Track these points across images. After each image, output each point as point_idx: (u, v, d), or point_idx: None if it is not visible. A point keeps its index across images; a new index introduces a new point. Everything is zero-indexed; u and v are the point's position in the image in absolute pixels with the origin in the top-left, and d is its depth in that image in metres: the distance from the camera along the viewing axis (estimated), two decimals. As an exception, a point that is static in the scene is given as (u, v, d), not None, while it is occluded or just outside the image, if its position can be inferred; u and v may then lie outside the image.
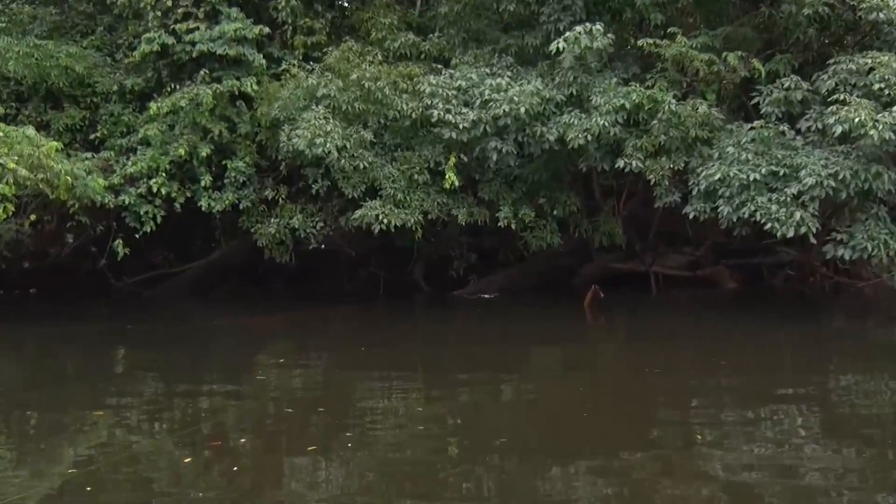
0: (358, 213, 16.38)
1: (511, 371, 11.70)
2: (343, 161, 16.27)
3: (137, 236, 17.32)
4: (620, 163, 15.83)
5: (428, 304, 19.17)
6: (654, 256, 19.76)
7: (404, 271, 20.71)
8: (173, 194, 17.06)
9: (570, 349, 13.51)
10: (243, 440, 8.71)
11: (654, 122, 15.73)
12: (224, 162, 17.47)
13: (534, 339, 14.37)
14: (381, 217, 16.18)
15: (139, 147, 17.34)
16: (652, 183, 15.97)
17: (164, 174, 16.93)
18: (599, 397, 10.25)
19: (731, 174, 14.76)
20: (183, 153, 16.92)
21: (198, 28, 17.54)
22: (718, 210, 14.93)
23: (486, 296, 19.31)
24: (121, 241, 17.30)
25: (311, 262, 20.50)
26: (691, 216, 15.51)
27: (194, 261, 21.06)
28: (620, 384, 11.03)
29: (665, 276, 19.73)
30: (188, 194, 17.29)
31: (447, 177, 16.42)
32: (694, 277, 19.83)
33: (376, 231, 16.38)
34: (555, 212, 17.38)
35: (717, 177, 14.86)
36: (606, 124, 15.55)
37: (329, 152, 15.96)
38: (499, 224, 16.95)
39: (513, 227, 16.95)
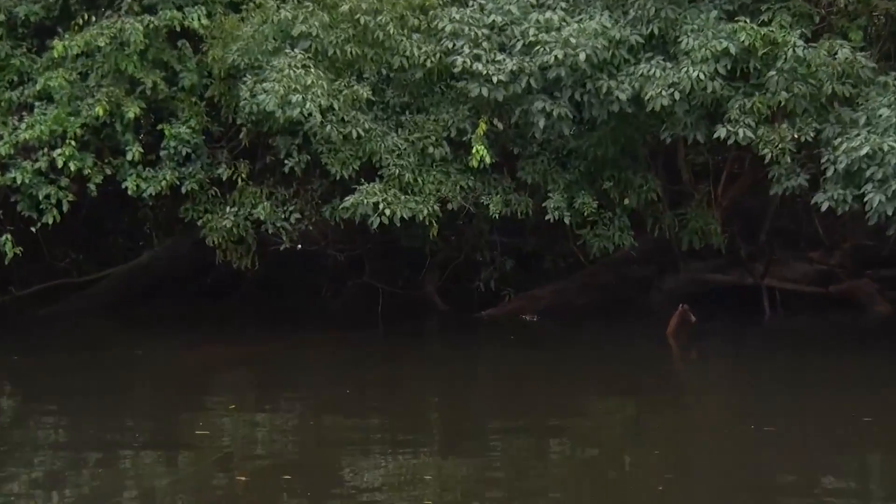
0: (349, 200, 16.43)
1: (561, 425, 11.64)
2: (329, 127, 16.24)
3: (34, 230, 17.17)
4: (722, 131, 15.72)
5: (444, 327, 19.34)
6: (767, 265, 19.59)
7: (412, 283, 20.83)
8: (86, 171, 16.83)
9: (646, 394, 13.38)
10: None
11: (772, 73, 15.61)
12: (160, 127, 17.28)
13: (594, 379, 14.39)
14: (381, 207, 16.21)
15: (37, 103, 17.11)
16: (767, 160, 15.83)
17: (73, 143, 16.66)
18: (685, 466, 10.15)
19: (885, 147, 14.58)
20: (101, 113, 16.73)
21: (122, -67, 17.45)
22: (865, 199, 14.84)
23: (526, 317, 19.47)
24: (9, 238, 16.99)
25: (280, 268, 20.57)
26: (823, 207, 15.48)
27: (113, 266, 21.04)
28: (716, 448, 10.88)
29: (783, 292, 19.74)
30: (108, 171, 17.11)
31: (475, 150, 16.40)
32: (826, 295, 19.77)
33: (375, 226, 16.47)
34: (626, 201, 17.37)
35: (863, 151, 14.70)
36: (702, 77, 15.47)
37: (310, 114, 15.89)
38: (546, 218, 16.91)
39: (567, 221, 16.98)
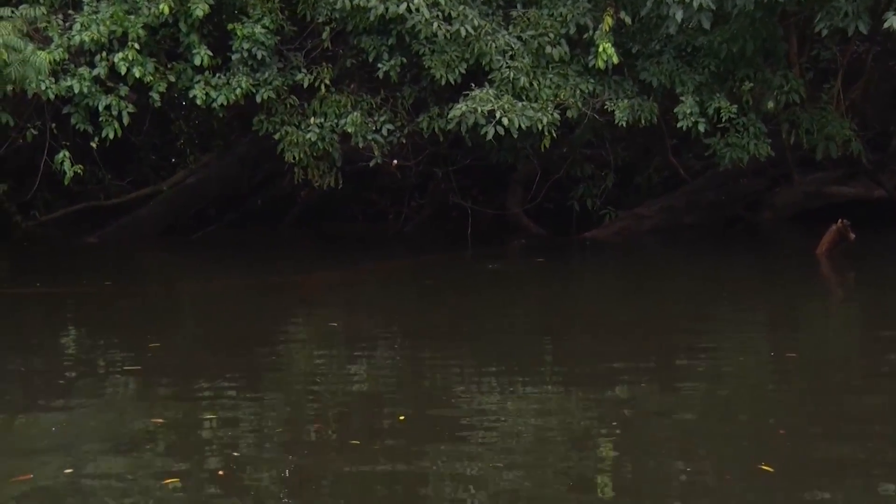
0: (459, 108, 15.63)
1: (694, 362, 10.70)
2: (435, 24, 15.64)
3: (94, 145, 16.42)
4: (893, 20, 14.49)
5: (544, 250, 18.46)
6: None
7: (488, 203, 20.26)
8: (148, 78, 16.05)
9: (797, 325, 12.41)
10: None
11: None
12: (231, 27, 16.41)
13: (729, 305, 13.46)
14: (498, 115, 15.43)
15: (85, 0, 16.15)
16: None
17: (135, 45, 15.82)
18: (854, 418, 8.71)
19: None
20: (166, 11, 15.88)
21: None
22: None
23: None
24: (67, 155, 16.22)
25: (334, 189, 19.40)
26: None
27: (142, 187, 20.18)
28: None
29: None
30: (171, 79, 16.38)
31: (600, 49, 15.89)
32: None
33: (489, 137, 15.74)
34: (770, 104, 16.64)
35: None
36: (872, -44, 14.59)
37: (417, 9, 15.45)
38: (679, 125, 16.22)
39: (701, 128, 16.17)
